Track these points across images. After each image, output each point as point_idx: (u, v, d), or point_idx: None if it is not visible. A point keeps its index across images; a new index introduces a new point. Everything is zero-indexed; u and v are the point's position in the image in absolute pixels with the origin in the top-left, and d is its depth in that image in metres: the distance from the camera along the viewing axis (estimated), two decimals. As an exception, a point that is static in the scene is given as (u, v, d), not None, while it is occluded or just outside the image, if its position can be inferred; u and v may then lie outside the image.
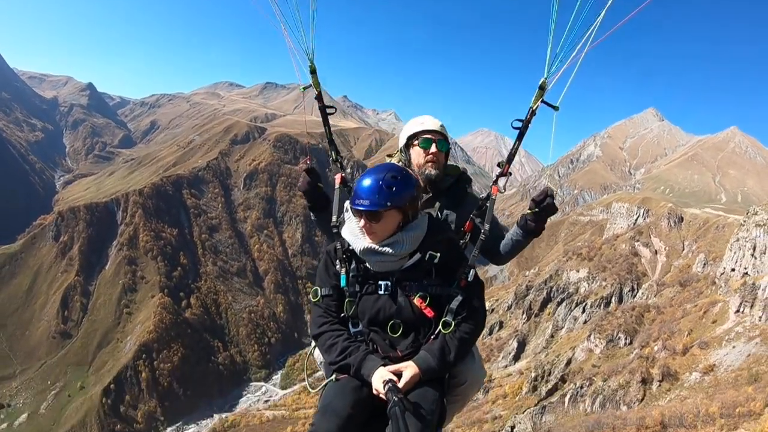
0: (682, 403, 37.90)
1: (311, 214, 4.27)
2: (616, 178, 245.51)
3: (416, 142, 4.02)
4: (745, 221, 61.99)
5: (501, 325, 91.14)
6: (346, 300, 3.35)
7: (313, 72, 4.29)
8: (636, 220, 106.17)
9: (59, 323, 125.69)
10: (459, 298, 3.25)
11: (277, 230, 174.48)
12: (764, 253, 55.15)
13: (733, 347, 46.10)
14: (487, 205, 3.87)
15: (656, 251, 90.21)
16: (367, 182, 3.19)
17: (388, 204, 3.12)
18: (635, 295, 78.05)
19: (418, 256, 3.29)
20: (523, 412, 50.95)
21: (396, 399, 2.73)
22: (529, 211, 3.78)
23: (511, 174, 3.94)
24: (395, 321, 3.25)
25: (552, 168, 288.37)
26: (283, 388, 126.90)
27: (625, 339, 60.74)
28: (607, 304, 77.40)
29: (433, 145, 3.95)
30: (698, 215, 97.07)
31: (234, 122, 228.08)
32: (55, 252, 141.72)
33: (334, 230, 3.70)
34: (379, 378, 2.98)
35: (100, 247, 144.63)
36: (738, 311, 51.41)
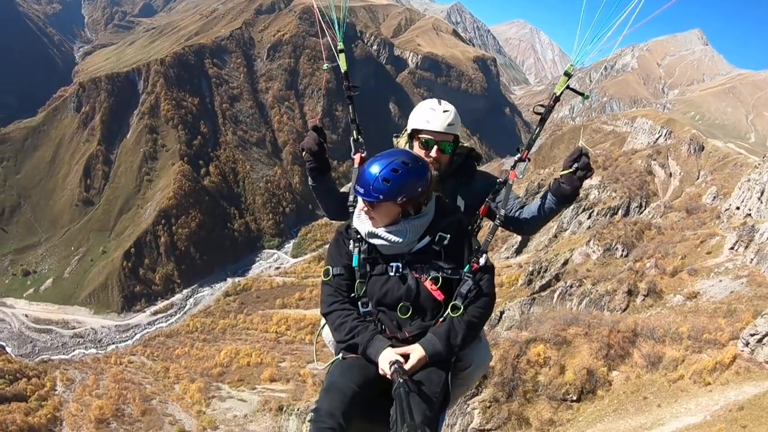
0: (656, 317, 40.86)
1: (310, 179, 4.22)
2: (648, 93, 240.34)
3: (419, 138, 3.88)
4: (759, 164, 62.36)
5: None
6: (357, 280, 3.39)
7: (341, 51, 4.38)
8: (657, 139, 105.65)
9: (82, 191, 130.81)
10: (470, 282, 3.29)
11: (298, 102, 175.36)
12: (771, 201, 56.03)
13: (720, 281, 48.42)
14: (503, 188, 3.91)
15: (671, 174, 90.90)
16: (368, 170, 3.20)
17: (380, 197, 3.15)
18: (642, 212, 79.71)
19: (427, 238, 3.32)
20: (513, 301, 54.39)
21: (401, 380, 2.76)
22: (563, 172, 3.72)
23: (530, 160, 3.75)
24: (404, 303, 3.28)
25: (584, 71, 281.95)
26: (294, 256, 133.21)
27: (622, 250, 63.12)
28: (614, 214, 79.24)
29: (434, 148, 3.80)
30: (720, 148, 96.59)
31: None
32: (76, 123, 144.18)
33: (350, 209, 3.68)
34: (386, 359, 3.04)
35: (121, 116, 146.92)
36: (733, 248, 53.16)
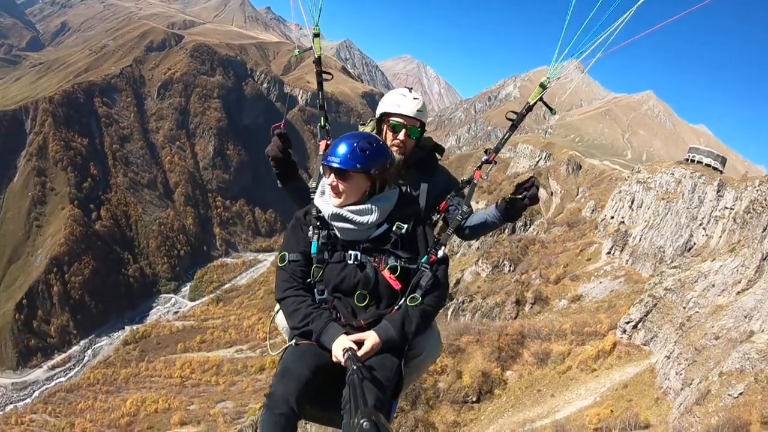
0: (541, 320, 44.62)
1: (278, 182, 4.19)
2: (530, 120, 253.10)
3: (388, 122, 3.97)
4: (629, 176, 69.05)
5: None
6: (314, 266, 3.38)
7: (316, 35, 4.38)
8: (538, 161, 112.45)
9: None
10: (428, 273, 3.33)
11: (189, 142, 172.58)
12: (640, 207, 61.75)
13: (600, 282, 53.34)
14: (466, 186, 4.00)
15: (552, 193, 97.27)
16: (342, 142, 3.28)
17: (357, 166, 3.22)
18: (527, 230, 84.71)
19: (385, 226, 3.36)
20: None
21: (355, 367, 2.74)
22: (511, 197, 3.84)
23: (496, 163, 4.09)
24: (361, 291, 3.30)
25: (469, 102, 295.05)
26: (192, 299, 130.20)
27: (509, 266, 67.25)
28: (500, 234, 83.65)
29: (402, 131, 3.90)
30: (596, 166, 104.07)
31: (150, 27, 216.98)
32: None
33: (312, 195, 3.68)
34: (339, 345, 3.03)
35: (7, 158, 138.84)
36: (609, 253, 58.70)
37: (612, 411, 25.65)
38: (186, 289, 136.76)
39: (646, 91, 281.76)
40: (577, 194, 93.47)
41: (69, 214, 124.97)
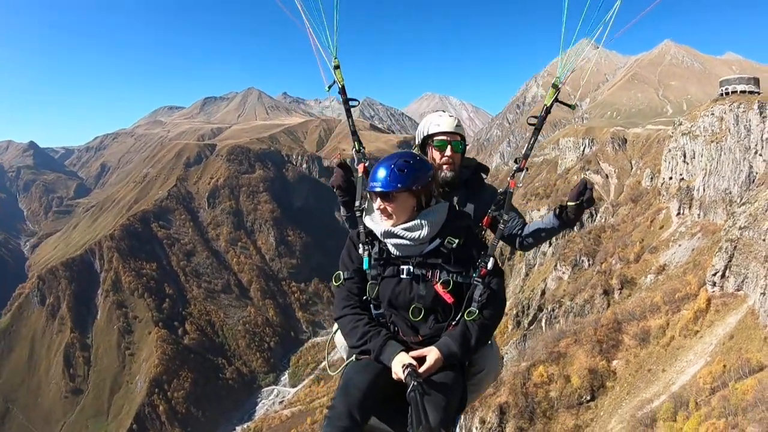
0: (631, 301, 43.38)
1: (343, 210, 4.30)
2: (564, 112, 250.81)
3: (432, 143, 4.05)
4: (672, 133, 67.35)
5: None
6: (369, 283, 3.40)
7: (337, 68, 4.46)
8: (583, 150, 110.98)
9: (68, 382, 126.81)
10: (480, 286, 3.31)
11: (250, 239, 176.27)
12: (693, 158, 60.19)
13: (679, 245, 51.73)
14: (504, 198, 3.92)
15: (607, 175, 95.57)
16: (381, 167, 3.31)
17: (398, 186, 3.23)
18: (595, 220, 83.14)
19: (437, 241, 3.34)
20: (508, 344, 55.92)
21: (415, 383, 2.74)
22: (570, 204, 3.83)
23: (528, 169, 4.10)
24: (416, 305, 3.29)
25: (500, 117, 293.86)
26: (293, 386, 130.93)
27: (588, 260, 65.96)
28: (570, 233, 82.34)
29: (449, 147, 3.99)
30: (640, 134, 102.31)
31: (183, 145, 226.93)
32: (44, 316, 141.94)
33: (357, 214, 3.69)
34: (399, 362, 3.01)
35: (86, 299, 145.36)
36: (679, 213, 57.06)
37: (725, 365, 24.68)
38: (285, 377, 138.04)
39: (664, 41, 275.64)
40: (632, 168, 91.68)
41: (156, 336, 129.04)
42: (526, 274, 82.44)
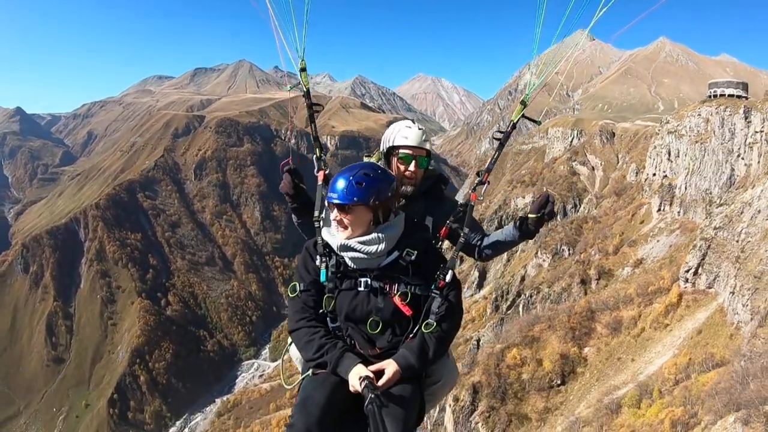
0: (606, 291, 44.64)
1: (294, 217, 4.31)
2: (556, 102, 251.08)
3: (397, 154, 4.03)
4: (659, 130, 68.42)
5: (461, 259, 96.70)
6: (325, 296, 3.36)
7: (303, 70, 4.43)
8: (571, 141, 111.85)
9: (50, 350, 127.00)
10: (438, 298, 3.32)
11: (235, 213, 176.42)
12: (678, 156, 61.29)
13: (657, 241, 53.02)
14: (465, 210, 3.91)
15: (593, 167, 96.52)
16: (340, 178, 3.28)
17: (355, 199, 3.22)
18: (578, 210, 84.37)
19: (395, 254, 3.34)
20: (485, 327, 57.14)
21: (372, 396, 2.76)
22: (531, 216, 3.85)
23: (489, 183, 4.07)
24: (373, 318, 3.29)
25: (492, 102, 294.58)
26: (273, 360, 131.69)
27: (568, 249, 67.28)
28: (552, 222, 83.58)
29: (413, 163, 3.98)
30: (629, 128, 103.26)
31: (172, 116, 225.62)
32: (27, 284, 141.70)
33: (316, 224, 3.63)
34: (356, 374, 3.01)
35: (70, 268, 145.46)
36: (660, 210, 58.32)
37: (690, 358, 25.84)
38: (266, 351, 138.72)
39: (659, 38, 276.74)
40: (618, 161, 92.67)
41: (139, 306, 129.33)
42: (507, 260, 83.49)
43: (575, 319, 38.52)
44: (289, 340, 3.68)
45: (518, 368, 36.08)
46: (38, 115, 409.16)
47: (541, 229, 3.99)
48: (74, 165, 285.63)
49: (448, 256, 3.63)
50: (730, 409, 14.90)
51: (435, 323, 3.25)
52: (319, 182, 4.07)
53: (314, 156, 4.34)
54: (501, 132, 4.00)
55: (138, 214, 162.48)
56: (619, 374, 32.05)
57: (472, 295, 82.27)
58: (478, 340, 51.48)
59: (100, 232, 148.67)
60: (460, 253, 3.95)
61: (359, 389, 2.92)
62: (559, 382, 34.82)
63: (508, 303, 63.82)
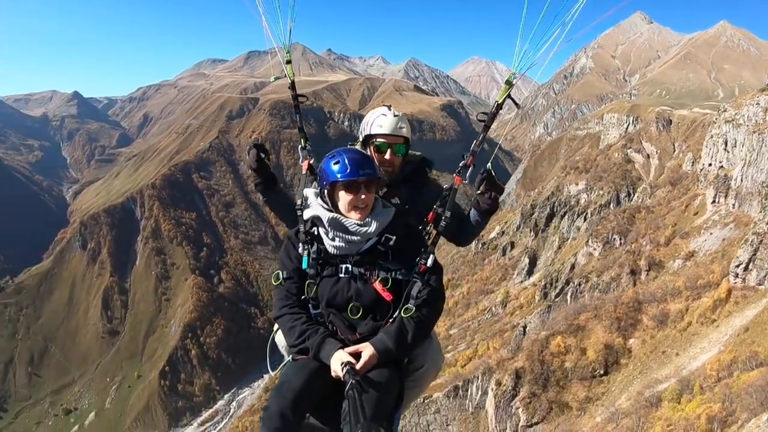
0: (655, 283, 43.95)
1: (261, 196, 4.37)
2: (612, 87, 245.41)
3: (373, 143, 4.03)
4: (716, 119, 66.27)
5: (512, 245, 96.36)
6: (307, 282, 3.41)
7: (288, 62, 4.53)
8: (627, 128, 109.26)
9: (105, 323, 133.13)
10: (419, 283, 3.33)
11: (289, 194, 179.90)
12: (735, 147, 59.34)
13: (711, 234, 51.73)
14: (449, 194, 3.89)
15: (648, 155, 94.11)
16: (354, 155, 3.32)
17: (378, 174, 3.33)
18: (632, 199, 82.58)
19: (374, 239, 3.39)
20: (532, 314, 57.08)
21: (353, 381, 2.78)
22: (479, 193, 3.87)
23: (474, 166, 3.99)
24: (354, 303, 3.33)
25: (547, 86, 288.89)
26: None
27: (620, 239, 66.18)
28: (605, 209, 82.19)
29: (389, 151, 3.98)
30: (686, 116, 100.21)
31: (226, 98, 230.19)
32: (85, 260, 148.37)
33: (298, 212, 3.63)
34: (337, 360, 3.05)
35: (126, 245, 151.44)
36: (714, 201, 56.74)
37: (734, 356, 25.51)
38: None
39: (720, 22, 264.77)
40: (674, 150, 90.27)
41: (193, 283, 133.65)
42: (559, 247, 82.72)
43: (621, 310, 38.21)
44: (275, 327, 3.79)
45: (562, 356, 36.16)
46: (95, 98, 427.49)
47: (497, 203, 3.97)
48: (130, 146, 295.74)
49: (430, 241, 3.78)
50: (765, 408, 14.93)
51: (414, 308, 3.29)
52: (304, 171, 4.35)
53: (299, 146, 4.59)
54: (485, 114, 3.96)
55: (193, 194, 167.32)
56: (663, 368, 31.78)
57: (521, 282, 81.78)
58: (525, 327, 51.57)
59: (156, 211, 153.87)
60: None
61: (341, 374, 2.96)
62: (602, 372, 34.76)
63: (557, 291, 63.48)
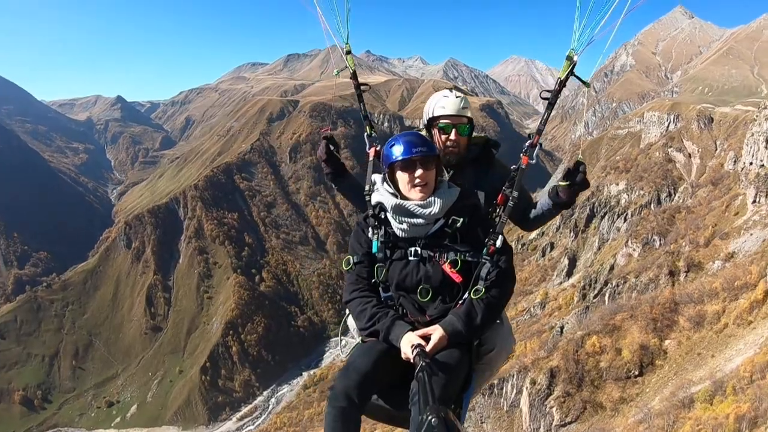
0: (691, 284, 43.67)
1: (332, 184, 4.48)
2: (653, 84, 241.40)
3: (437, 125, 4.03)
4: (757, 115, 65.09)
5: (552, 246, 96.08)
6: (377, 266, 3.43)
7: (348, 53, 4.47)
8: (667, 126, 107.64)
9: (148, 320, 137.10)
10: (488, 264, 3.30)
11: (329, 194, 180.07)
12: (776, 144, 58.35)
13: (751, 234, 50.94)
14: (517, 174, 3.85)
15: (690, 154, 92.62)
16: (409, 137, 3.39)
17: (435, 150, 3.40)
18: (673, 199, 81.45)
19: (441, 221, 3.37)
20: (570, 314, 57.08)
21: (423, 363, 2.72)
22: (561, 184, 3.83)
23: (542, 145, 3.94)
24: (423, 286, 3.31)
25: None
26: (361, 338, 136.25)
27: (660, 240, 65.50)
28: (645, 210, 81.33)
29: (453, 131, 3.97)
30: (728, 113, 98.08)
31: (266, 101, 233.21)
32: (130, 258, 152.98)
33: (366, 198, 3.64)
34: (407, 342, 3.03)
35: (170, 244, 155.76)
36: (755, 201, 55.82)
37: (769, 358, 25.54)
38: (354, 330, 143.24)
39: (763, 14, 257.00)
40: (716, 149, 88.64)
41: (234, 282, 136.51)
42: (598, 248, 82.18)
43: (658, 310, 38.18)
44: (347, 311, 3.79)
45: (597, 356, 36.37)
46: (138, 102, 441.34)
47: (576, 198, 3.99)
48: (173, 149, 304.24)
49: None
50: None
51: (483, 289, 3.28)
52: (371, 158, 4.23)
53: (365, 134, 4.54)
54: (549, 91, 3.84)
55: (235, 194, 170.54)
56: (698, 370, 31.79)
57: (560, 283, 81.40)
58: (562, 327, 51.62)
59: (199, 212, 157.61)
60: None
61: (410, 357, 2.97)
62: (636, 372, 34.86)
63: (595, 292, 63.23)
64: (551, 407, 35.49)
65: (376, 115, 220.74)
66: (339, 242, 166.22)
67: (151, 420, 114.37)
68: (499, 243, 3.36)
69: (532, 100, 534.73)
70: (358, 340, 3.55)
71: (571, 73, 3.61)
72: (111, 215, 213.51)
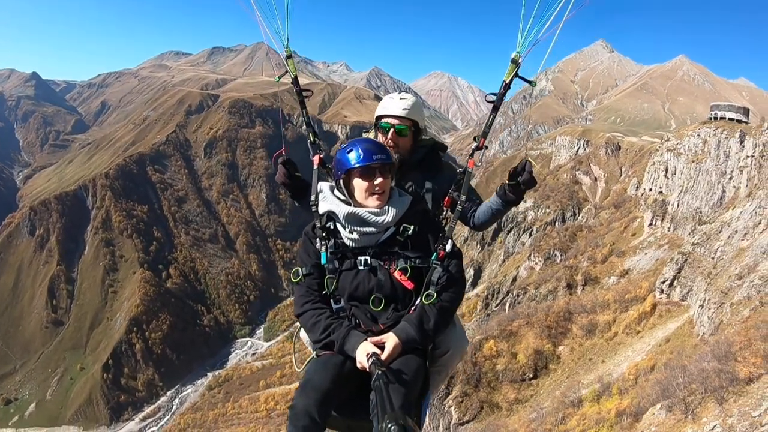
0: (586, 295, 46.36)
1: (295, 202, 4.32)
2: (569, 111, 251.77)
3: (379, 125, 4.04)
4: (659, 147, 69.96)
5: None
6: (326, 277, 3.37)
7: (289, 57, 4.34)
8: (577, 151, 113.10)
9: (49, 313, 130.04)
10: (439, 269, 3.31)
11: (242, 193, 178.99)
12: (674, 174, 62.74)
13: (645, 254, 54.57)
14: (464, 177, 3.88)
15: (596, 178, 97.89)
16: (367, 144, 3.35)
17: (392, 158, 3.40)
18: (576, 219, 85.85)
19: (392, 229, 3.37)
20: (471, 321, 59.09)
21: (380, 372, 2.70)
22: (507, 183, 3.81)
23: (487, 147, 3.96)
24: (376, 295, 3.29)
25: (505, 105, 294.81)
26: (267, 340, 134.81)
27: (561, 255, 68.98)
28: (549, 227, 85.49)
29: (391, 130, 3.94)
30: (635, 143, 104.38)
31: (186, 93, 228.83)
32: (33, 246, 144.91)
33: (313, 209, 3.60)
34: (363, 351, 3.00)
35: (75, 234, 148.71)
36: (651, 224, 59.95)
37: (654, 363, 27.48)
38: (260, 331, 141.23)
39: (678, 56, 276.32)
40: (621, 174, 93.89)
41: (140, 277, 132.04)
42: (504, 261, 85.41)
43: (552, 318, 40.27)
44: (298, 324, 3.72)
45: (494, 359, 37.84)
46: (53, 81, 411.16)
47: (524, 196, 3.98)
48: (86, 134, 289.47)
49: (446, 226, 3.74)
50: (661, 398, 16.63)
51: (435, 294, 3.26)
52: (315, 166, 4.09)
53: (308, 141, 4.42)
54: (494, 94, 3.88)
55: (146, 186, 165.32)
56: (589, 374, 33.68)
57: (465, 293, 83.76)
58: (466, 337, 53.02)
59: (108, 202, 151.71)
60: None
61: (366, 366, 2.94)
62: (531, 375, 36.55)
63: (497, 301, 65.69)
64: (450, 407, 36.56)
65: (295, 116, 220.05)
66: (249, 242, 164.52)
67: (51, 419, 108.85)
68: (448, 248, 3.40)
69: (451, 115, 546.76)
70: (313, 354, 3.42)
71: (516, 74, 3.69)
72: (15, 199, 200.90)
